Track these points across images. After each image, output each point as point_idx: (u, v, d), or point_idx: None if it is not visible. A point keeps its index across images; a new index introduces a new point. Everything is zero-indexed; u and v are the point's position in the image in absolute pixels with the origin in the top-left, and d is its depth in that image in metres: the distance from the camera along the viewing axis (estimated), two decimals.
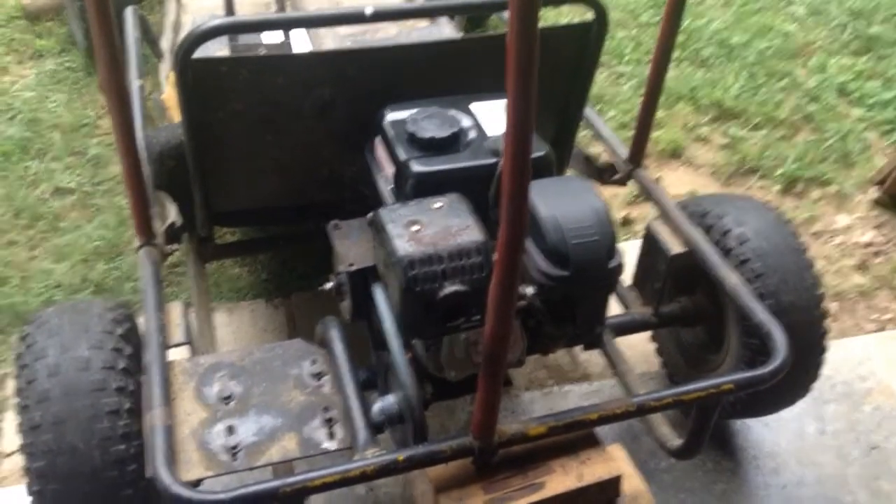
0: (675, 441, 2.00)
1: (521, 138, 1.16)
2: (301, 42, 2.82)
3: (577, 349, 2.68)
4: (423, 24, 3.21)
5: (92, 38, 3.66)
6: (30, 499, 1.67)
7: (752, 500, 2.33)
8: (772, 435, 2.48)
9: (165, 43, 3.09)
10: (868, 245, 3.23)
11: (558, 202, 1.72)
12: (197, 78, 1.84)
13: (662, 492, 2.30)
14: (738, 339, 2.11)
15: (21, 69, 3.88)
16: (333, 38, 2.96)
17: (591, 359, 2.66)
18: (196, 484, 1.56)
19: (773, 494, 2.34)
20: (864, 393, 2.63)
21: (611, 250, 1.71)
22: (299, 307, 2.78)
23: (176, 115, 2.50)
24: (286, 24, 2.42)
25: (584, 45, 2.10)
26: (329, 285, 1.92)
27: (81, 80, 3.77)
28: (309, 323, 2.15)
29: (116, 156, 3.29)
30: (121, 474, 1.62)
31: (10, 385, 2.47)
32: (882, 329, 2.89)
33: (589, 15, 2.07)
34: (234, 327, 2.71)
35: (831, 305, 2.92)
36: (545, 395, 2.56)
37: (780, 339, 1.79)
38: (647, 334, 2.59)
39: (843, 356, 2.70)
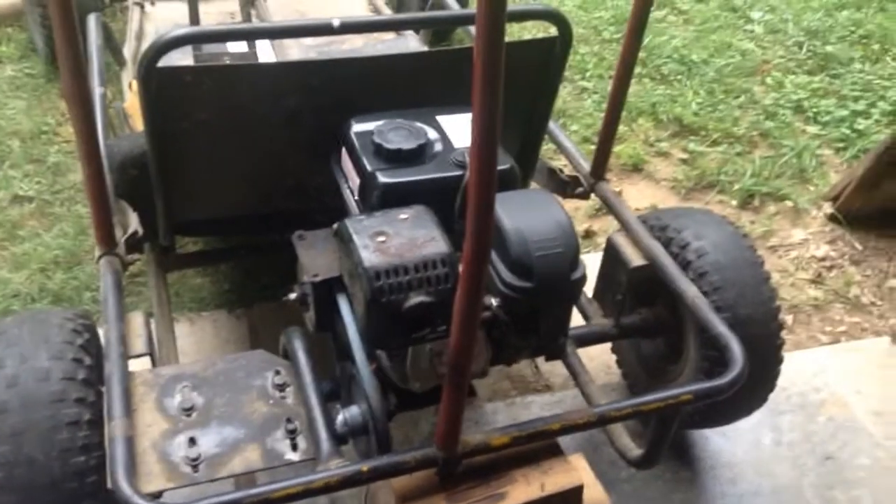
0: (635, 451, 2.03)
1: (486, 151, 1.17)
2: (266, 52, 2.82)
3: (540, 360, 2.71)
4: (388, 36, 3.23)
5: (53, 44, 3.63)
6: None
7: None
8: (729, 445, 2.52)
9: (128, 51, 3.07)
10: (822, 259, 3.31)
11: (523, 214, 1.74)
12: (161, 87, 1.83)
13: (623, 501, 2.33)
14: (696, 351, 2.15)
15: None
16: (299, 49, 2.96)
17: (554, 370, 2.68)
18: (157, 496, 1.55)
19: None
20: (818, 404, 2.68)
21: (574, 262, 1.73)
22: (262, 318, 2.76)
23: (138, 124, 2.48)
24: (252, 35, 2.42)
25: (549, 59, 2.13)
26: (293, 296, 1.92)
27: (41, 86, 3.73)
28: (271, 334, 2.15)
29: (76, 164, 3.28)
30: (80, 486, 1.60)
31: None
32: (836, 341, 2.95)
33: (553, 30, 2.10)
34: (195, 338, 2.68)
35: (787, 318, 2.99)
36: (508, 405, 2.57)
37: (737, 350, 1.82)
38: (607, 346, 2.62)
39: (797, 368, 2.75)
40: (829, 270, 3.26)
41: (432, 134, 1.95)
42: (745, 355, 1.81)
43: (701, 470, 2.45)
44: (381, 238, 1.63)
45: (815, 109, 4.09)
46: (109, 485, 1.49)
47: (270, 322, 2.73)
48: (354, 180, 1.94)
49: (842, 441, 2.57)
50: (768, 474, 2.46)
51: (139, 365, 1.79)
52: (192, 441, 1.63)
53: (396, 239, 1.63)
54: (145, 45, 3.12)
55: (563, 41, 2.10)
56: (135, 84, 2.64)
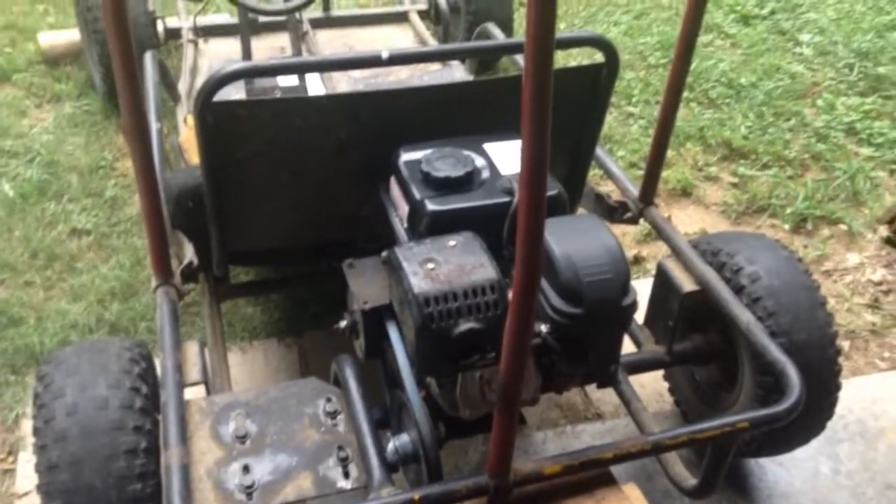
0: (690, 480, 1.99)
1: (536, 177, 1.18)
2: (315, 86, 2.87)
3: (590, 388, 2.68)
4: (434, 67, 3.28)
5: (110, 82, 3.75)
6: None
7: None
8: (786, 474, 2.46)
9: (182, 86, 3.15)
10: (879, 283, 3.23)
11: (572, 240, 1.74)
12: (216, 120, 1.88)
13: None
14: (751, 378, 2.11)
15: (40, 113, 3.95)
16: (347, 82, 3.02)
17: (604, 397, 2.65)
18: None
19: None
20: (877, 432, 2.61)
21: (625, 287, 1.72)
22: (312, 346, 2.79)
23: (193, 157, 2.55)
24: (305, 68, 2.47)
25: (596, 85, 2.13)
26: (343, 324, 1.94)
27: (99, 123, 3.84)
28: (321, 362, 2.17)
29: (132, 197, 3.37)
30: None
31: (24, 425, 2.48)
32: (895, 367, 2.87)
33: (598, 56, 2.11)
34: (247, 367, 2.72)
35: (843, 344, 2.92)
36: (558, 434, 2.55)
37: (793, 376, 1.79)
38: (659, 373, 2.58)
39: (855, 395, 2.68)
40: (886, 294, 3.18)
41: (479, 161, 1.97)
42: (802, 382, 1.77)
43: (758, 500, 2.39)
44: (431, 265, 1.64)
45: (868, 131, 4.02)
46: None
47: (320, 350, 2.75)
48: (403, 208, 1.96)
49: None
50: None
51: (194, 393, 1.82)
52: (246, 469, 1.65)
53: (445, 266, 1.64)
54: (199, 80, 3.22)
55: (610, 67, 2.10)
56: (190, 119, 2.72)
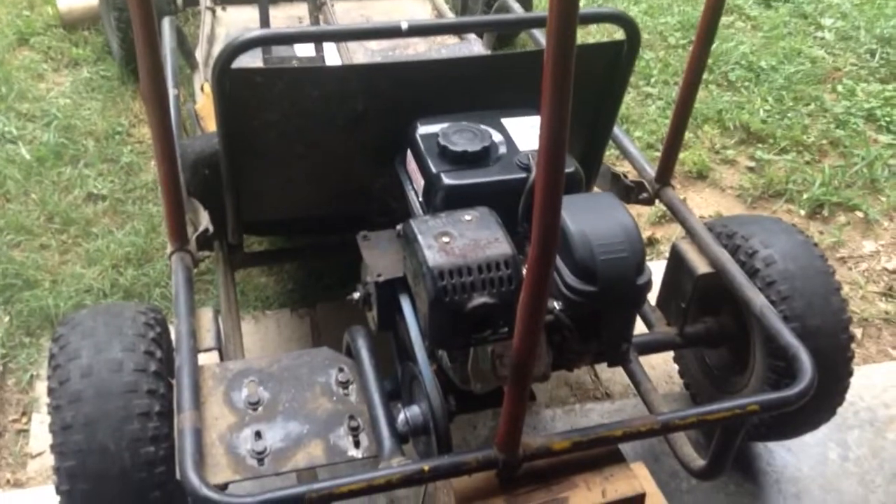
0: (698, 462, 1.99)
1: (554, 154, 1.17)
2: (332, 57, 2.86)
3: (600, 368, 2.68)
4: (452, 41, 3.25)
5: (128, 47, 3.73)
6: (58, 498, 1.69)
7: None
8: (794, 460, 2.47)
9: (200, 54, 3.14)
10: (894, 272, 3.21)
11: (587, 218, 1.73)
12: (234, 88, 1.87)
13: None
14: (763, 361, 2.11)
15: (57, 76, 3.96)
16: (364, 54, 3.00)
17: (614, 377, 2.66)
18: (223, 487, 1.58)
19: None
20: (887, 420, 2.61)
21: (640, 267, 1.72)
22: (324, 317, 2.80)
23: (209, 125, 2.55)
24: (324, 37, 2.46)
25: (616, 63, 2.12)
26: (356, 295, 1.94)
27: (115, 88, 3.84)
28: (333, 333, 2.18)
29: (149, 164, 3.37)
30: (149, 476, 1.64)
31: (38, 386, 2.51)
32: None
33: (618, 34, 2.09)
34: (259, 336, 2.73)
35: (856, 331, 2.90)
36: (567, 412, 2.56)
37: (806, 361, 1.78)
38: (669, 355, 2.59)
39: (866, 382, 2.68)
40: None
41: (497, 136, 1.96)
42: (814, 366, 1.77)
43: (765, 484, 2.40)
44: (446, 239, 1.64)
45: (887, 118, 3.98)
46: (178, 475, 1.53)
47: (332, 321, 2.76)
48: (419, 182, 1.96)
49: None
50: (834, 491, 2.40)
51: (207, 359, 1.83)
52: (259, 435, 1.66)
53: (461, 240, 1.64)
54: (217, 48, 3.20)
55: (631, 45, 2.09)
56: (207, 86, 2.71)
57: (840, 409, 2.16)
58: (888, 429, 2.58)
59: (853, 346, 2.08)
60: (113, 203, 3.20)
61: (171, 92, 2.44)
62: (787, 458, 2.47)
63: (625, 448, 1.75)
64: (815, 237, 3.27)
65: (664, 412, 1.84)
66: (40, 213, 3.12)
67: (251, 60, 2.51)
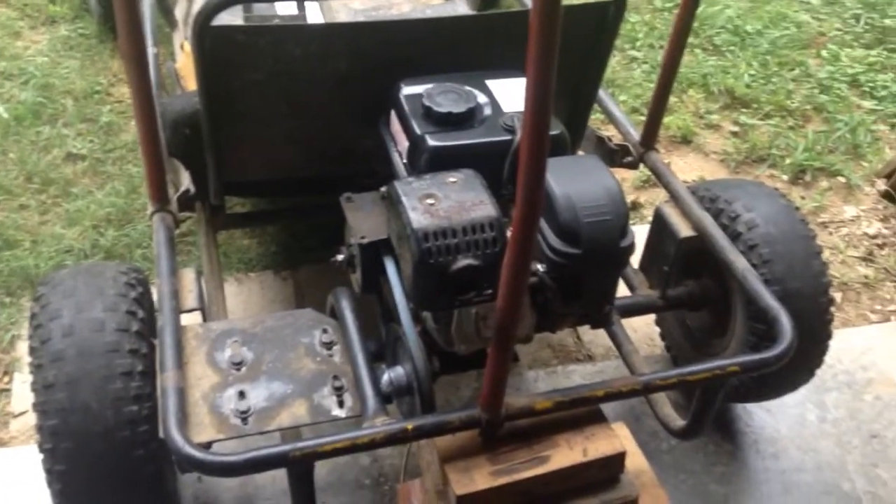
0: (678, 422, 2.02)
1: (539, 116, 1.16)
2: (315, 17, 2.82)
3: (582, 330, 2.70)
4: (436, 1, 3.21)
5: (106, 4, 3.66)
6: (41, 456, 1.69)
7: (752, 484, 2.35)
8: (773, 420, 2.50)
9: (179, 12, 3.09)
10: (874, 237, 3.25)
11: (572, 180, 1.73)
12: (214, 46, 1.84)
13: (663, 472, 2.32)
14: (743, 324, 2.13)
15: (34, 34, 3.88)
16: (347, 13, 2.96)
17: (596, 339, 2.68)
18: (207, 446, 1.59)
19: (772, 479, 2.37)
20: (865, 382, 2.65)
21: (623, 229, 1.72)
22: (307, 279, 2.80)
23: (190, 84, 2.51)
24: None
25: (602, 25, 2.10)
26: (340, 257, 1.94)
27: (94, 47, 3.77)
28: (316, 295, 2.17)
29: (128, 124, 3.33)
30: (132, 434, 1.65)
31: (19, 346, 2.50)
32: (886, 320, 2.90)
33: None
34: (242, 297, 2.73)
35: (836, 295, 2.93)
36: (549, 374, 2.58)
37: (786, 323, 1.80)
38: (650, 318, 2.61)
39: (845, 345, 2.71)
40: (881, 248, 3.20)
41: (482, 98, 1.94)
42: (794, 329, 1.79)
43: (744, 444, 2.44)
44: (430, 200, 1.64)
45: (871, 84, 3.99)
46: (161, 434, 1.53)
47: (315, 283, 2.76)
48: (403, 143, 1.94)
49: (888, 420, 2.54)
50: (812, 451, 2.44)
51: (190, 320, 1.83)
52: (242, 394, 1.66)
53: (445, 202, 1.64)
54: (196, 6, 3.14)
55: (617, 6, 2.07)
56: (187, 45, 2.67)
57: (819, 372, 2.19)
58: (865, 391, 2.63)
59: (833, 309, 2.10)
60: (93, 163, 3.16)
61: (151, 50, 2.40)
62: (766, 419, 2.51)
63: (606, 408, 1.77)
64: (797, 202, 3.29)
65: (645, 373, 1.86)
66: (19, 172, 3.08)
67: (232, 19, 2.47)
